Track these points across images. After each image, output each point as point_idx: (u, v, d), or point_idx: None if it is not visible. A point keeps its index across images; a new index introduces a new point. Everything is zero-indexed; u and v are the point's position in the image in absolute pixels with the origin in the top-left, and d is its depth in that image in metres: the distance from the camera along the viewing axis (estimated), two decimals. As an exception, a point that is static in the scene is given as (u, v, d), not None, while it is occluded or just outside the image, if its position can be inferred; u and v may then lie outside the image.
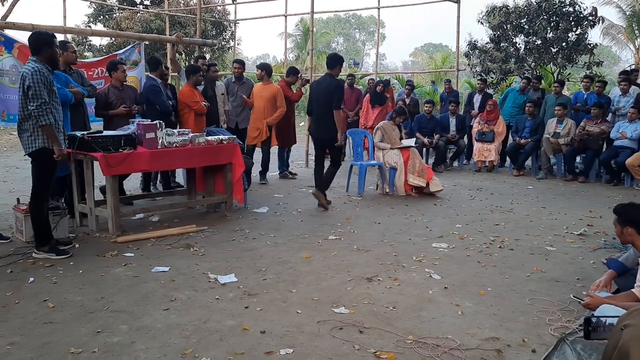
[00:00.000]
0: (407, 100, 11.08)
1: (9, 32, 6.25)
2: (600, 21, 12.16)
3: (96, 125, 6.52)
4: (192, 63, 7.52)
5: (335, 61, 6.42)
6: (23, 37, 5.71)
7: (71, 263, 4.27)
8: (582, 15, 11.16)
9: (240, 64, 8.25)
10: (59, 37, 5.67)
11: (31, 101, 4.12)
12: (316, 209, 6.43)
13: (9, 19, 15.65)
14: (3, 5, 17.09)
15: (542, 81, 11.42)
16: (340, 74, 7.17)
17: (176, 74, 8.17)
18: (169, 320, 3.23)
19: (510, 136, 9.75)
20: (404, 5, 15.26)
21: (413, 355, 2.83)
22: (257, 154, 8.28)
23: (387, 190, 7.48)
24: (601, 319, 2.37)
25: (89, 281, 3.89)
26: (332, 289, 3.78)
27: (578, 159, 9.09)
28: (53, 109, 4.25)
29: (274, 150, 8.58)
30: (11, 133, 14.20)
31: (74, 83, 5.55)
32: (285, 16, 16.52)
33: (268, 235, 5.20)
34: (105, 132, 5.42)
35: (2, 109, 6.24)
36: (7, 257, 4.38)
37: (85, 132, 5.20)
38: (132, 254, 4.52)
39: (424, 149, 9.91)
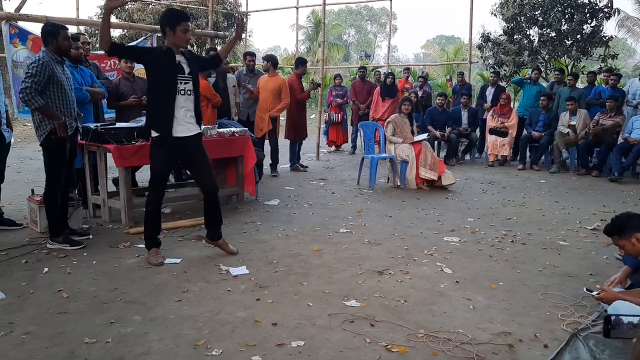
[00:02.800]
0: (420, 93, 11.03)
1: (23, 24, 6.30)
2: (616, 13, 12.00)
3: (109, 117, 6.56)
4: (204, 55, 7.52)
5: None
6: (37, 29, 5.75)
7: (85, 254, 4.32)
8: (597, 7, 11.01)
9: (253, 56, 8.27)
10: (73, 29, 5.70)
11: (22, 84, 4.15)
12: (327, 202, 6.43)
13: (22, 11, 15.76)
14: (17, -3, 17.17)
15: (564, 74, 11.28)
16: (352, 66, 7.13)
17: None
18: (181, 311, 3.26)
19: (524, 129, 9.67)
20: (416, -3, 15.16)
21: (424, 349, 2.83)
22: (268, 146, 8.30)
23: (399, 184, 7.47)
24: (620, 317, 2.35)
25: (102, 272, 3.93)
26: (343, 282, 3.79)
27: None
28: (57, 99, 4.27)
29: (284, 142, 8.59)
30: (25, 124, 14.34)
31: (97, 82, 5.59)
32: (297, 8, 16.51)
33: (279, 228, 5.22)
34: (118, 124, 5.46)
35: (17, 100, 6.30)
36: (22, 248, 4.44)
37: (98, 124, 5.24)
38: (144, 246, 4.55)
39: (436, 142, 9.87)
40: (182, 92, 3.95)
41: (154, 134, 4.01)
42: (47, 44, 4.31)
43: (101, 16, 7.42)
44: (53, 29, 4.33)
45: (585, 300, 3.47)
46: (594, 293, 3.13)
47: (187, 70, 3.98)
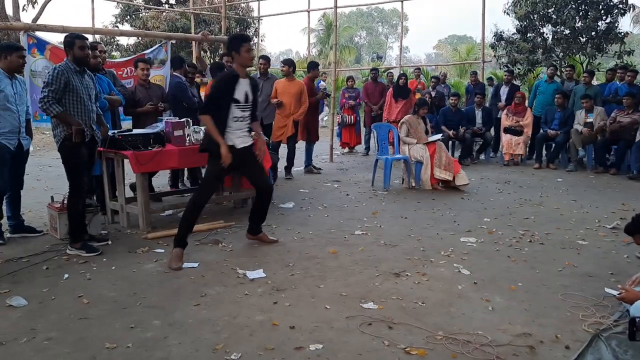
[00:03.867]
0: (433, 93, 11.00)
1: (41, 34, 6.39)
2: (631, 9, 11.83)
3: (126, 124, 6.63)
4: (217, 60, 7.58)
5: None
6: (54, 38, 5.85)
7: (104, 259, 4.36)
8: (612, 3, 10.88)
9: (266, 60, 8.30)
10: (89, 38, 5.76)
11: (41, 93, 4.28)
12: (342, 204, 6.43)
13: (39, 21, 16.00)
14: (34, 7, 17.45)
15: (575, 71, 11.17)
16: (364, 67, 7.20)
17: (202, 71, 8.24)
18: (199, 315, 3.28)
19: (540, 128, 9.58)
20: (428, -3, 15.12)
21: (444, 352, 2.82)
22: (282, 149, 8.32)
23: (413, 185, 7.44)
24: None
25: (121, 277, 3.97)
26: (360, 284, 3.79)
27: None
28: (72, 107, 4.35)
29: (299, 145, 8.61)
30: (44, 133, 14.52)
31: (115, 90, 5.68)
32: (308, 11, 16.55)
33: (295, 231, 5.23)
34: (135, 131, 5.51)
35: (34, 109, 6.38)
36: (42, 254, 4.50)
37: (115, 131, 5.31)
38: (162, 250, 4.60)
39: (450, 142, 9.82)
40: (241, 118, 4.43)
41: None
42: (67, 54, 4.45)
43: (116, 25, 7.45)
44: (69, 40, 4.44)
45: (606, 300, 3.43)
46: (616, 293, 3.09)
47: (250, 98, 4.45)
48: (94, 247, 4.55)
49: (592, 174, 8.48)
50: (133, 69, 7.01)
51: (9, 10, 16.99)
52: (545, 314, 3.28)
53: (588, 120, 8.85)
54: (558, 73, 10.97)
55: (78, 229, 4.54)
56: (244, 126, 4.49)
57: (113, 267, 4.17)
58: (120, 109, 6.24)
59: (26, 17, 17.99)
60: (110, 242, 4.82)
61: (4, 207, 4.99)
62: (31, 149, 5.25)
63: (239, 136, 4.44)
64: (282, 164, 7.97)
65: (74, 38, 4.45)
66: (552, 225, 5.41)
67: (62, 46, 4.63)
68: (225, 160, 4.28)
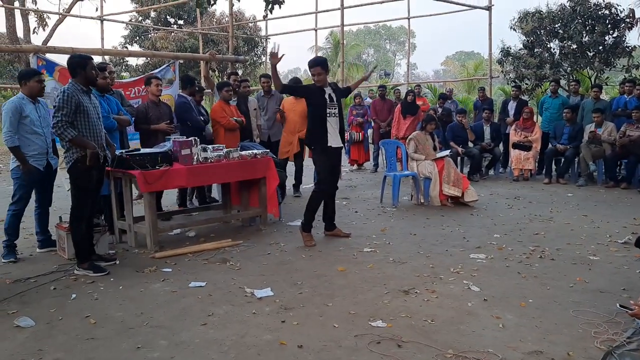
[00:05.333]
0: (440, 110, 11.00)
1: (50, 56, 6.49)
2: (638, 23, 11.83)
3: (133, 143, 6.68)
4: (224, 79, 7.65)
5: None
6: (63, 60, 5.94)
7: (111, 279, 4.36)
8: (618, 18, 10.89)
9: (268, 77, 8.36)
10: (98, 59, 5.86)
11: (53, 119, 4.34)
12: (350, 221, 6.40)
13: (49, 44, 16.25)
14: (44, 30, 17.75)
15: (580, 85, 11.15)
16: (372, 85, 7.33)
17: (210, 90, 8.31)
18: (207, 335, 3.26)
19: (549, 143, 9.53)
20: (434, 15, 15.25)
21: (453, 370, 2.77)
22: (290, 167, 8.32)
23: (422, 201, 7.41)
24: None
25: (129, 297, 3.96)
26: (368, 302, 3.75)
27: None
28: (84, 128, 4.38)
29: (307, 162, 8.61)
30: (53, 153, 14.66)
31: (123, 110, 5.75)
32: (316, 30, 16.70)
33: (303, 249, 5.21)
34: (143, 150, 5.55)
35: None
36: (50, 275, 4.50)
37: (123, 151, 5.34)
38: (170, 269, 4.59)
39: (459, 158, 9.79)
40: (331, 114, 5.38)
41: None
42: (75, 75, 4.44)
43: (125, 46, 7.48)
44: (81, 61, 4.46)
45: (619, 317, 3.36)
46: (628, 309, 3.03)
47: (334, 98, 5.43)
48: (101, 267, 4.55)
49: (603, 189, 8.41)
50: (140, 88, 7.09)
51: (20, 33, 17.29)
52: (556, 331, 3.23)
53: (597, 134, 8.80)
54: (566, 87, 10.95)
55: (84, 249, 4.56)
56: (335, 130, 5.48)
57: (120, 287, 4.17)
58: (129, 128, 6.30)
59: (37, 39, 18.28)
60: (117, 262, 4.82)
61: (34, 223, 5.26)
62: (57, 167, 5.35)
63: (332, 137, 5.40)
64: (290, 182, 7.97)
65: (85, 59, 4.50)
66: (563, 241, 5.35)
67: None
68: None
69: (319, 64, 5.35)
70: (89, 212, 4.63)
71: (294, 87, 6.35)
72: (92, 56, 4.80)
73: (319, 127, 5.34)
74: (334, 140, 5.39)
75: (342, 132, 5.49)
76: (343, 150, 10.24)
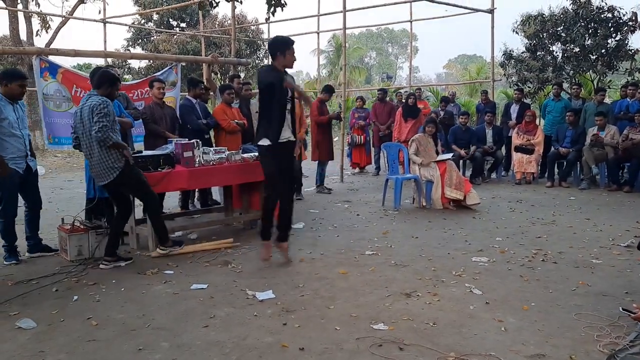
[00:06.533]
0: (442, 114, 10.99)
1: (53, 59, 6.50)
2: (641, 26, 11.82)
3: (137, 145, 6.70)
4: (226, 82, 7.66)
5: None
6: (66, 62, 5.95)
7: (113, 281, 4.36)
8: (621, 21, 10.88)
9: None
10: (100, 61, 5.86)
11: (96, 124, 4.48)
12: (352, 224, 6.39)
13: (52, 46, 16.31)
14: (47, 32, 17.81)
15: (582, 89, 11.14)
16: (374, 88, 7.27)
17: (212, 93, 8.32)
18: (208, 337, 3.25)
19: (552, 146, 9.52)
20: (436, 18, 15.25)
21: (455, 373, 2.77)
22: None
23: (424, 204, 7.40)
24: None
25: (130, 299, 3.96)
26: (370, 305, 3.74)
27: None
28: (113, 133, 4.61)
29: (309, 165, 8.63)
30: (56, 155, 14.70)
31: (125, 113, 5.77)
32: (318, 33, 16.70)
33: (305, 251, 5.20)
34: (145, 152, 5.55)
35: (47, 132, 6.47)
36: (52, 276, 4.51)
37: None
38: (172, 272, 4.59)
39: (461, 161, 9.78)
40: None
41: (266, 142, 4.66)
42: (100, 87, 4.67)
43: (128, 49, 7.55)
44: (112, 77, 4.77)
45: (621, 320, 3.35)
46: (631, 313, 3.02)
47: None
48: (126, 257, 4.95)
49: (605, 192, 8.39)
50: (143, 90, 7.11)
51: (23, 35, 17.34)
52: (559, 335, 3.22)
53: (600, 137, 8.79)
54: (569, 91, 10.94)
55: (166, 234, 5.03)
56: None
57: (122, 289, 4.17)
58: (136, 130, 6.33)
59: (39, 41, 18.37)
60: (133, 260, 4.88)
61: (24, 227, 5.15)
62: (38, 168, 5.31)
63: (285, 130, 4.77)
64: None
65: (116, 79, 4.84)
66: (565, 244, 5.33)
67: (74, 70, 4.73)
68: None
69: (293, 43, 4.71)
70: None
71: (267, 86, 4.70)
72: (95, 58, 4.84)
73: (277, 118, 4.63)
74: (287, 133, 4.75)
75: (293, 125, 4.87)
76: (344, 153, 10.42)
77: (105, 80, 4.69)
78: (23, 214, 5.19)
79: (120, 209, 4.93)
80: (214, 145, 6.74)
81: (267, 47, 4.93)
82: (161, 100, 6.45)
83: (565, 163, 9.20)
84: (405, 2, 13.67)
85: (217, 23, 22.42)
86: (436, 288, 4.09)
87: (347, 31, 11.01)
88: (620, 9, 10.88)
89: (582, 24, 11.01)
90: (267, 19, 7.64)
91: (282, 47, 4.61)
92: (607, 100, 10.52)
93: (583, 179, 8.89)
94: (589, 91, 12.38)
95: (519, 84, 11.68)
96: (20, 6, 17.38)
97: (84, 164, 6.11)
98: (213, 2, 7.76)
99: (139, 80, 8.25)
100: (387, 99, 12.01)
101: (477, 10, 12.91)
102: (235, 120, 6.82)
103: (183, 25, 24.24)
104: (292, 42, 4.71)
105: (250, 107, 7.49)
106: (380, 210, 7.29)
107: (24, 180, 4.93)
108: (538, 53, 11.81)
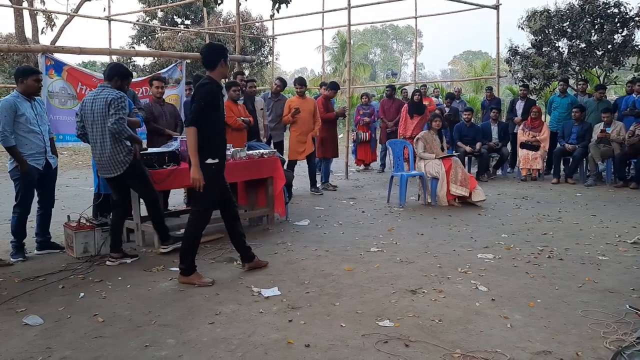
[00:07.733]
0: (447, 110, 10.96)
1: (58, 56, 6.51)
2: (648, 21, 11.75)
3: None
4: (231, 79, 7.65)
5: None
6: (71, 60, 5.96)
7: (119, 278, 4.38)
8: (627, 16, 10.82)
9: (282, 82, 8.46)
10: (105, 58, 5.87)
11: (113, 116, 4.54)
12: (357, 221, 6.39)
13: (57, 43, 16.34)
14: (52, 30, 17.85)
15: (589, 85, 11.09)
16: (379, 85, 7.24)
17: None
18: (214, 333, 3.26)
19: (558, 142, 9.49)
20: (441, 14, 15.20)
21: (461, 370, 2.76)
22: (296, 168, 8.33)
23: (429, 201, 7.39)
24: None
25: (136, 296, 3.97)
26: (376, 302, 3.74)
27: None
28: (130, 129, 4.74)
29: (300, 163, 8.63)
30: (61, 152, 14.71)
31: (133, 110, 5.78)
32: (322, 30, 16.69)
33: (310, 248, 5.20)
34: (150, 150, 5.56)
35: (52, 129, 6.47)
36: (59, 273, 4.53)
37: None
38: (178, 269, 4.59)
39: (466, 158, 9.75)
40: None
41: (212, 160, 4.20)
42: (111, 79, 4.71)
43: (132, 46, 7.54)
44: (126, 72, 4.83)
45: (628, 317, 3.34)
46: (638, 310, 3.01)
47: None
48: (132, 254, 4.98)
49: (612, 188, 8.35)
50: (148, 88, 7.11)
51: (28, 33, 17.39)
52: (565, 331, 3.21)
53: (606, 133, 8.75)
54: (574, 87, 10.89)
55: (166, 230, 5.07)
56: None
57: (128, 286, 4.18)
58: (143, 126, 6.33)
59: (45, 39, 18.40)
60: (129, 261, 4.86)
61: (33, 224, 5.20)
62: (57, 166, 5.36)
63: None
64: (296, 182, 7.97)
65: (129, 74, 4.90)
66: (571, 241, 5.32)
67: (80, 67, 4.75)
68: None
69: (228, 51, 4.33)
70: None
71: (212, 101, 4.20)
72: (99, 56, 4.88)
73: (221, 136, 4.27)
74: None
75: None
76: (349, 150, 10.42)
77: (116, 72, 4.73)
78: (35, 212, 5.22)
79: (119, 205, 4.92)
80: None
81: (203, 55, 4.21)
82: (160, 99, 6.45)
83: (571, 159, 9.17)
84: (410, -2, 13.64)
85: (222, 20, 22.44)
86: (442, 285, 4.08)
87: (352, 28, 11.01)
88: (627, 4, 10.84)
89: (588, 19, 10.96)
90: (272, 16, 7.62)
91: (224, 54, 4.19)
92: (612, 96, 10.47)
93: (589, 176, 8.86)
94: (595, 87, 12.33)
95: (524, 80, 11.64)
96: (25, 4, 17.42)
97: (91, 162, 6.12)
98: (217, -1, 7.75)
99: (142, 78, 8.25)
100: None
101: (482, 7, 12.86)
102: (241, 117, 6.82)
103: (187, 22, 24.27)
104: (227, 50, 4.32)
105: (255, 104, 7.50)
106: (386, 207, 7.28)
107: (42, 176, 5.00)
108: (544, 49, 11.77)
